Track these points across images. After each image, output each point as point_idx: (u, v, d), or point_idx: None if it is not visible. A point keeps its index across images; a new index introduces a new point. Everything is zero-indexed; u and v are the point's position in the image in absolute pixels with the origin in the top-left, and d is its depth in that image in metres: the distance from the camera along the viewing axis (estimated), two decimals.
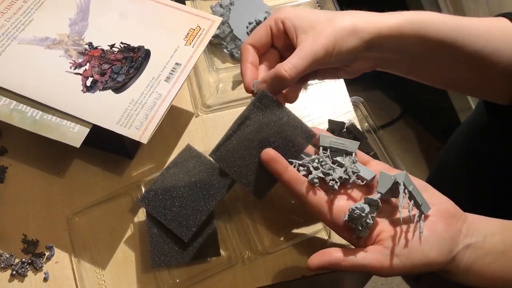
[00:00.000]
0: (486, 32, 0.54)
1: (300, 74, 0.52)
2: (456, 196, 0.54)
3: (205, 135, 0.68)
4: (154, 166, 0.65)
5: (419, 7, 1.49)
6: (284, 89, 0.54)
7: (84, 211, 0.61)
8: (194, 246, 0.58)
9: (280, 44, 0.57)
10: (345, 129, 0.66)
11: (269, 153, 0.52)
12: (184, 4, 0.67)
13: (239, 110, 0.69)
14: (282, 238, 0.60)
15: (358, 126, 0.67)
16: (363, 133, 0.66)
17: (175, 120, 0.69)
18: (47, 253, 0.60)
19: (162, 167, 0.63)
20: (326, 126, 0.66)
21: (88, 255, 0.59)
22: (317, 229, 0.61)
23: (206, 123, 0.69)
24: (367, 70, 0.58)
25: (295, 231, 0.61)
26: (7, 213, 0.62)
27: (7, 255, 0.59)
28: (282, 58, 0.59)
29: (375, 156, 0.64)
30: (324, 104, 0.70)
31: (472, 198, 0.52)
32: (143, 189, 0.61)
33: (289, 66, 0.51)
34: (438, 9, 1.36)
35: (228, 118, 0.69)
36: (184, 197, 0.58)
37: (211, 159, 0.60)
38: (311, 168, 0.52)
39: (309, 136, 0.53)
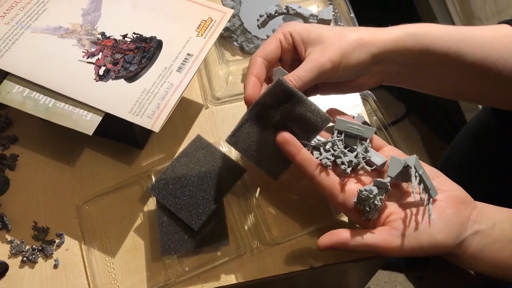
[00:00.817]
0: (489, 41, 0.55)
1: (305, 85, 0.53)
2: None
3: (214, 126, 0.69)
4: (163, 156, 0.66)
5: (426, 6, 1.50)
6: None
7: (94, 200, 0.62)
8: (203, 235, 0.58)
9: (289, 58, 0.57)
10: None
11: (284, 135, 0.53)
12: None
13: None
14: (290, 229, 0.61)
15: (367, 120, 0.68)
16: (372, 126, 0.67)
17: (185, 112, 0.69)
18: (57, 241, 0.60)
19: (171, 157, 0.64)
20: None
21: (98, 243, 0.60)
22: (325, 221, 0.61)
23: (216, 115, 0.70)
24: (373, 86, 0.59)
25: (303, 222, 0.61)
26: (18, 200, 0.63)
27: (18, 242, 0.59)
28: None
29: None
30: (333, 97, 0.71)
31: (475, 199, 0.53)
32: (153, 179, 0.61)
33: (294, 77, 0.52)
34: (445, 7, 1.36)
35: (238, 110, 0.70)
36: (194, 187, 0.59)
37: (221, 150, 0.61)
38: (322, 151, 0.53)
39: (325, 120, 0.53)
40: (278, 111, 0.53)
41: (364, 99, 0.70)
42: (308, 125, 0.54)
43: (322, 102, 0.70)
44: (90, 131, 0.55)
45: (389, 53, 0.53)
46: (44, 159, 0.65)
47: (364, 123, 0.66)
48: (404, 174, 0.50)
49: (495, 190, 0.79)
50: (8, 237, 0.60)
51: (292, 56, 0.57)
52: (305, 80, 0.52)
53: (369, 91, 0.69)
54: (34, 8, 0.63)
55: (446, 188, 0.52)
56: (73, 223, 0.61)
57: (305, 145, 0.54)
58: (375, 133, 0.66)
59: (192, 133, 0.68)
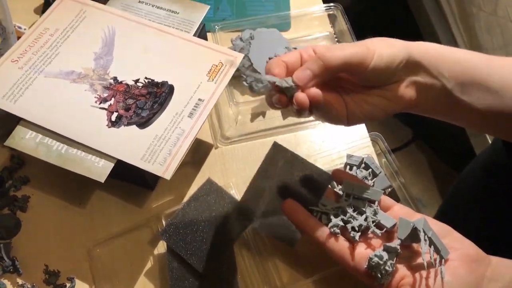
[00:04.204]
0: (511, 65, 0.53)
1: (328, 68, 0.48)
2: (469, 230, 0.54)
3: (223, 167, 0.69)
4: (173, 198, 0.66)
5: (433, 36, 1.50)
6: (323, 77, 0.50)
7: (105, 243, 0.62)
8: (213, 281, 0.58)
9: None
10: (363, 164, 0.66)
11: (289, 204, 0.53)
12: (206, 39, 0.68)
13: (258, 142, 0.71)
14: (300, 274, 0.61)
15: (376, 161, 0.68)
16: (381, 168, 0.67)
17: (195, 152, 0.70)
18: (68, 284, 0.60)
19: (181, 198, 0.65)
20: (344, 160, 0.67)
21: (109, 287, 0.60)
22: (337, 265, 0.61)
23: (225, 155, 0.70)
24: (408, 102, 0.52)
25: (314, 266, 0.61)
26: (29, 243, 0.63)
27: (29, 286, 0.60)
28: None
29: (393, 192, 0.65)
30: (342, 138, 0.71)
31: (485, 234, 0.52)
32: (163, 221, 0.61)
33: (315, 59, 0.49)
34: (452, 39, 1.37)
35: (247, 149, 0.70)
36: (204, 232, 0.59)
37: (231, 193, 0.61)
38: (331, 216, 0.53)
39: (327, 180, 0.54)
40: (279, 175, 0.54)
41: (374, 140, 0.70)
42: (312, 187, 0.54)
43: (330, 146, 0.70)
44: (102, 178, 0.56)
45: (423, 54, 0.51)
46: (55, 200, 0.66)
47: (373, 164, 0.66)
48: (414, 235, 0.50)
49: (505, 229, 0.78)
50: (19, 281, 0.60)
51: None
52: (330, 59, 0.48)
53: (378, 133, 0.69)
54: (47, 52, 0.64)
55: (458, 246, 0.51)
56: (84, 267, 0.61)
57: (312, 210, 0.54)
58: (384, 175, 0.67)
59: (202, 173, 0.68)
